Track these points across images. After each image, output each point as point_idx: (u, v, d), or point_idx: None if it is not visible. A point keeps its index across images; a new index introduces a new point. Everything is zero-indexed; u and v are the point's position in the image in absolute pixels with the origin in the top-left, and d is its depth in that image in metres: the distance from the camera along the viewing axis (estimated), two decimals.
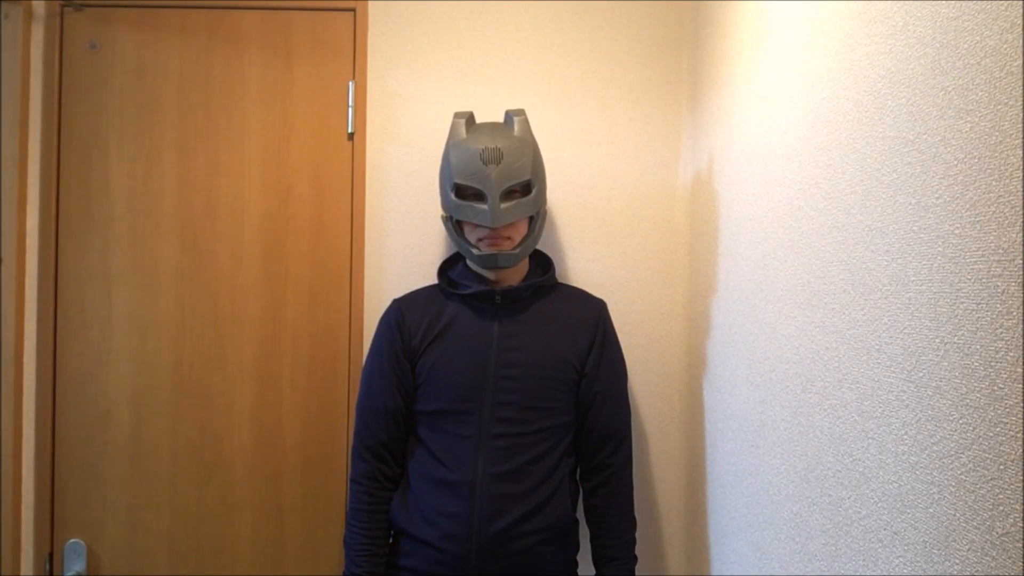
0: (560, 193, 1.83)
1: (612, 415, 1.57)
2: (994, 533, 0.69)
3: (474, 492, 1.44)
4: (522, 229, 1.55)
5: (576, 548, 1.59)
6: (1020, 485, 0.65)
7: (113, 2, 1.82)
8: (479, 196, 1.49)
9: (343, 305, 1.83)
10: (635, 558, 1.57)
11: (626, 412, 1.61)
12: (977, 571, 0.71)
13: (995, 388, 0.69)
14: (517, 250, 1.53)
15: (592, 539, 1.59)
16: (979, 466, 0.71)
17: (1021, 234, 0.66)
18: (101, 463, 1.80)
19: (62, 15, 1.81)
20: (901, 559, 0.85)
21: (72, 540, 1.79)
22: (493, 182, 1.48)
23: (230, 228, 1.82)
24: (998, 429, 0.68)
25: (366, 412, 1.55)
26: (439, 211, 1.64)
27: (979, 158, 0.72)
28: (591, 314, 1.61)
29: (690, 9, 1.83)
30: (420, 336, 1.54)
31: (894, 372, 0.87)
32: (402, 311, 1.59)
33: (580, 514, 1.61)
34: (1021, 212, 0.66)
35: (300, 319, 1.83)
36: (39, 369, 1.79)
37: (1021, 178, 0.66)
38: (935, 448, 0.78)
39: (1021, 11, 0.66)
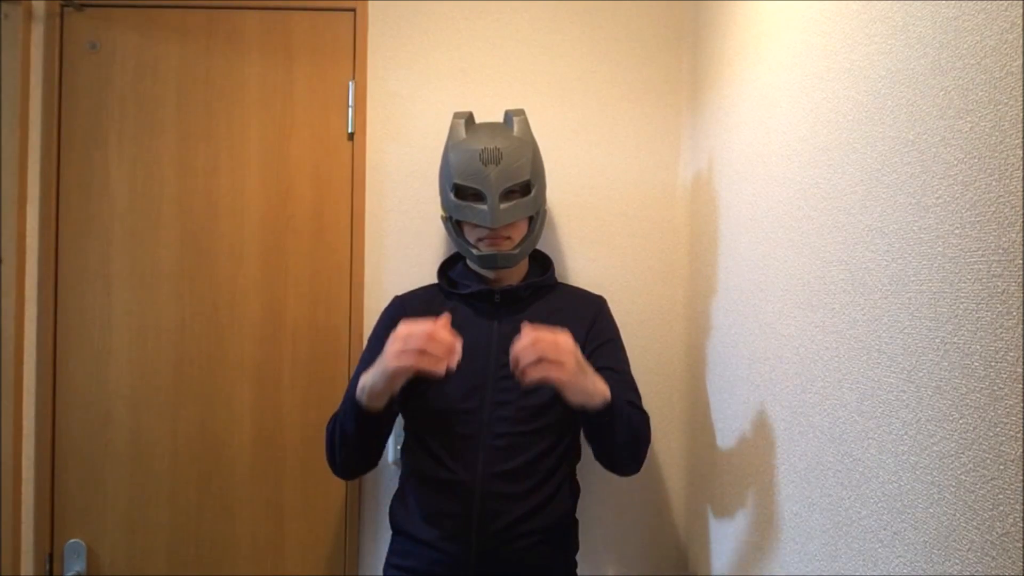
0: (560, 193, 1.83)
1: (613, 389, 1.50)
2: (994, 533, 0.69)
3: (473, 492, 1.44)
4: (522, 229, 1.54)
5: (576, 548, 1.59)
6: (1020, 485, 0.65)
7: (113, 2, 1.82)
8: (478, 196, 1.49)
9: (343, 305, 1.83)
10: (623, 403, 1.40)
11: (632, 390, 1.52)
12: (977, 571, 0.71)
13: (995, 388, 0.69)
14: (516, 250, 1.53)
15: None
16: (979, 466, 0.71)
17: (1021, 234, 0.66)
18: (101, 463, 1.80)
19: (62, 15, 1.81)
20: (901, 559, 0.85)
21: (72, 540, 1.79)
22: (492, 182, 1.48)
23: (230, 228, 1.82)
24: (998, 429, 0.68)
25: (347, 394, 1.48)
26: (439, 211, 1.64)
27: (979, 158, 0.72)
28: (589, 309, 1.60)
29: (690, 9, 1.83)
30: None
31: (894, 372, 0.87)
32: (404, 306, 1.60)
33: (580, 514, 1.60)
34: (1021, 212, 0.66)
35: (300, 319, 1.83)
36: (39, 369, 1.79)
37: (1021, 178, 0.66)
38: (935, 448, 0.78)
39: (1021, 11, 0.66)
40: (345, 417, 1.39)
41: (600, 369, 1.47)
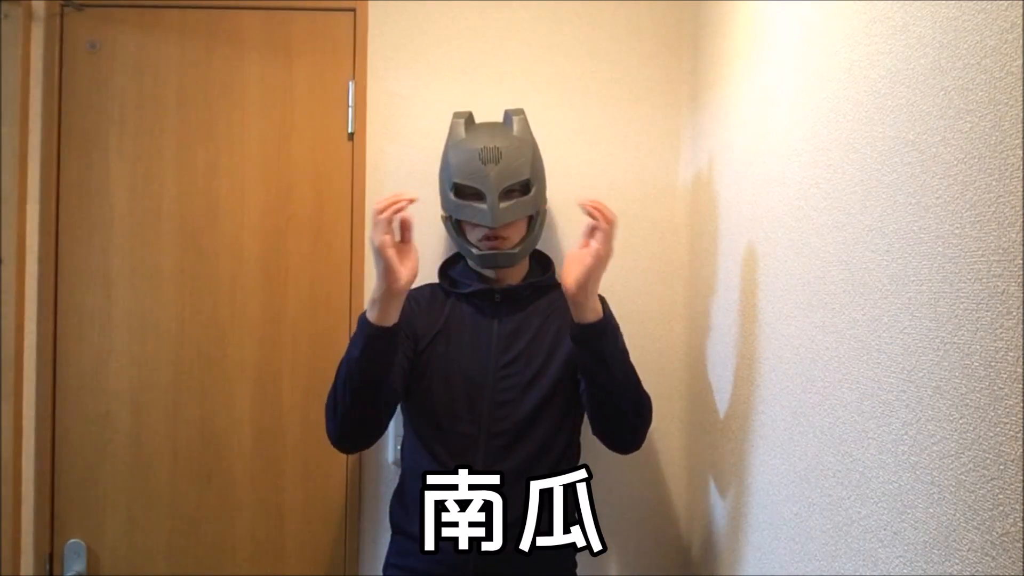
0: (560, 193, 1.82)
1: None
2: (994, 533, 0.69)
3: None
4: (521, 229, 1.55)
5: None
6: (1020, 485, 0.65)
7: (113, 2, 1.82)
8: (478, 196, 1.49)
9: (343, 305, 1.83)
10: (618, 332, 1.43)
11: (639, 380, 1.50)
12: (977, 571, 0.71)
13: (995, 388, 0.69)
14: (516, 250, 1.53)
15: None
16: (979, 466, 0.71)
17: (1021, 234, 0.66)
18: (101, 463, 1.80)
19: (62, 15, 1.81)
20: (901, 559, 0.85)
21: (72, 540, 1.79)
22: (492, 182, 1.48)
23: (230, 228, 1.82)
24: (998, 429, 0.68)
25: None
26: (439, 211, 1.64)
27: (979, 158, 0.72)
28: None
29: (690, 9, 1.83)
30: (422, 331, 1.54)
31: (894, 372, 0.87)
32: (408, 298, 1.58)
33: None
34: (1021, 212, 0.66)
35: (300, 319, 1.83)
36: (39, 369, 1.79)
37: (1021, 178, 0.66)
38: (935, 448, 0.78)
39: (1021, 11, 0.66)
40: (351, 344, 1.36)
41: None
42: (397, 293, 1.31)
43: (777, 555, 1.22)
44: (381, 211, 1.28)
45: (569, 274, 1.33)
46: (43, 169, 1.80)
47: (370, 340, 1.32)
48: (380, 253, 1.28)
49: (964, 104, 0.74)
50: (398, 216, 1.29)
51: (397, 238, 1.31)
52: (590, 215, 1.31)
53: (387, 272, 1.29)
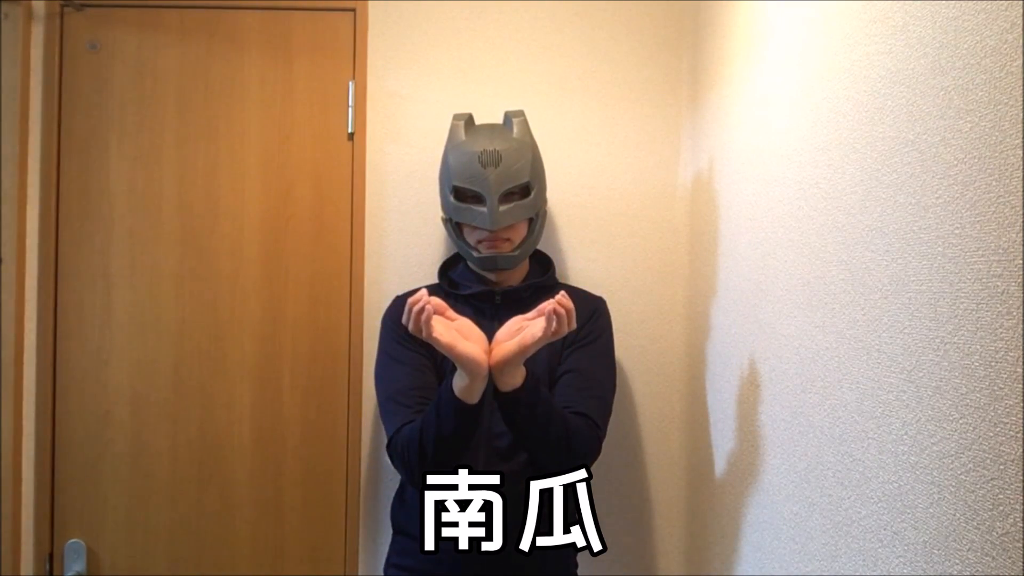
0: (560, 193, 1.83)
1: (573, 397, 1.46)
2: (994, 533, 0.69)
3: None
4: (521, 231, 1.54)
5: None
6: (1020, 485, 0.65)
7: (113, 2, 1.82)
8: (478, 199, 1.49)
9: (343, 305, 1.83)
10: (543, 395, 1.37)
11: (591, 395, 1.49)
12: (977, 571, 0.71)
13: (995, 388, 0.69)
14: (516, 252, 1.53)
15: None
16: (979, 466, 0.71)
17: (1021, 234, 0.66)
18: (101, 463, 1.80)
19: (62, 15, 1.81)
20: (901, 559, 0.85)
21: (72, 540, 1.79)
22: (491, 185, 1.48)
23: (230, 228, 1.82)
24: (998, 429, 0.68)
25: (390, 402, 1.48)
26: (439, 212, 1.64)
27: (979, 158, 0.72)
28: (586, 309, 1.59)
29: (690, 9, 1.83)
30: None
31: (894, 372, 0.87)
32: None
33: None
34: (1021, 212, 0.66)
35: (300, 319, 1.83)
36: (39, 369, 1.79)
37: (1021, 178, 0.66)
38: (935, 448, 0.78)
39: (1021, 11, 0.66)
40: (440, 420, 1.32)
41: (564, 373, 1.48)
42: (485, 377, 1.27)
43: (777, 555, 1.22)
44: (416, 327, 1.20)
45: (501, 347, 1.26)
46: (43, 169, 1.80)
47: (463, 417, 1.31)
48: (451, 351, 1.22)
49: (964, 104, 0.74)
50: (428, 309, 1.20)
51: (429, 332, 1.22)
52: (555, 311, 1.20)
53: (467, 363, 1.24)
